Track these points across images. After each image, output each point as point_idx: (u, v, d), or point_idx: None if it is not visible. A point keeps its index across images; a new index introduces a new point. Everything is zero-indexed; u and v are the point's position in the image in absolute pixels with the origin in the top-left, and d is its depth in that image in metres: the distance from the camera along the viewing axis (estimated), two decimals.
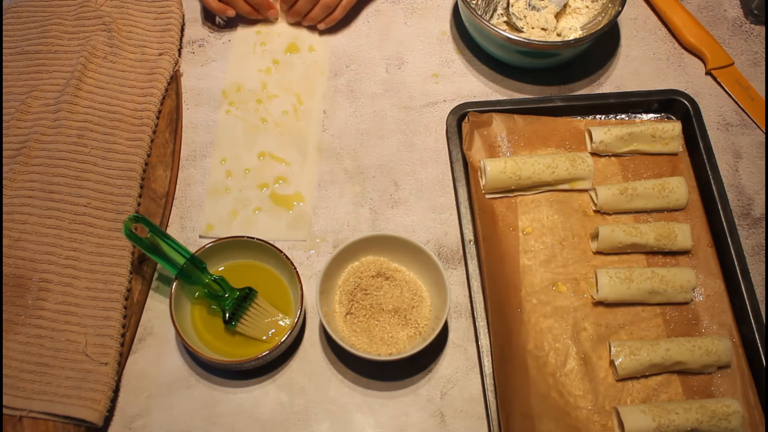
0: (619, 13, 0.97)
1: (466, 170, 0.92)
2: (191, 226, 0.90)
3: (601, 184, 0.92)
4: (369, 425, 0.80)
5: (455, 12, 1.07)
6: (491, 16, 1.04)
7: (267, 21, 1.05)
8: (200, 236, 0.90)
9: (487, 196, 0.90)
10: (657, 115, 0.98)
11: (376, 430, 0.80)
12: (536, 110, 0.96)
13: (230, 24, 1.05)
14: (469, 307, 0.85)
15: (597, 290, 0.84)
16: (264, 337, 0.81)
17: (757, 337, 0.82)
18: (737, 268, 0.86)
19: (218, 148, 0.95)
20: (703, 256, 0.88)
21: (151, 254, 0.80)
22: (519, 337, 0.82)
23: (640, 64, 1.04)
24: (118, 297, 0.81)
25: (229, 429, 0.79)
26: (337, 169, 0.95)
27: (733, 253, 0.87)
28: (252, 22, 1.05)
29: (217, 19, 1.06)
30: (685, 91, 0.98)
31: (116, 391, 0.79)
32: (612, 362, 0.81)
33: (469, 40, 1.04)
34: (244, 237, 0.83)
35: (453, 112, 0.95)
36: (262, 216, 0.91)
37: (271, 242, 0.82)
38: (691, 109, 0.96)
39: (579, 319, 0.84)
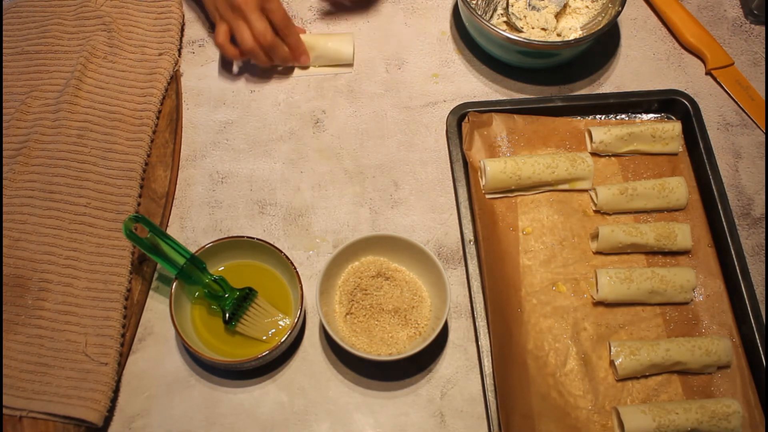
0: (619, 13, 0.97)
1: (466, 170, 0.92)
2: (191, 226, 0.90)
3: (601, 184, 0.92)
4: (369, 425, 0.80)
5: (455, 12, 1.07)
6: (491, 16, 1.04)
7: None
8: None
9: (487, 196, 0.90)
10: (657, 115, 0.98)
11: (376, 430, 0.80)
12: (536, 110, 0.96)
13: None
14: (469, 307, 0.85)
15: (597, 290, 0.84)
16: (264, 337, 0.81)
17: (757, 337, 0.82)
18: (737, 268, 0.86)
19: None
20: (703, 256, 0.88)
21: (151, 254, 0.80)
22: (519, 337, 0.82)
23: (640, 64, 1.04)
24: (118, 297, 0.81)
25: (229, 429, 0.79)
26: (337, 169, 0.94)
27: (733, 253, 0.87)
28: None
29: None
30: (685, 91, 0.98)
31: (116, 391, 0.79)
32: (612, 362, 0.81)
33: (469, 40, 1.04)
34: (244, 237, 0.83)
35: (453, 112, 0.95)
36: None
37: (271, 243, 0.83)
38: (691, 109, 0.96)
39: (579, 319, 0.84)
